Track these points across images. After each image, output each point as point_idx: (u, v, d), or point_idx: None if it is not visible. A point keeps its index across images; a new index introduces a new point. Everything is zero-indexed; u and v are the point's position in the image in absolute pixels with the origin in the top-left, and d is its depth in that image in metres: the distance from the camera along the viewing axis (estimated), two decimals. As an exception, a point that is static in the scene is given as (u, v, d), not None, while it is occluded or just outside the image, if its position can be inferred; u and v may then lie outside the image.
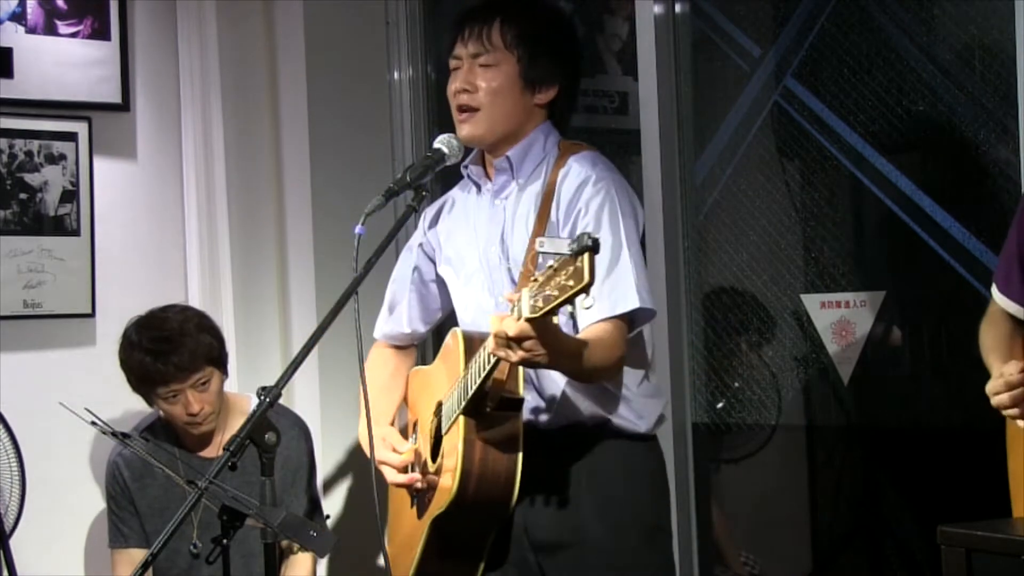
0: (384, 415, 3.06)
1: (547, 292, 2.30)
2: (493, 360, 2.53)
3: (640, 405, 2.83)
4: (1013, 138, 2.93)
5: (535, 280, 2.34)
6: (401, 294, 3.12)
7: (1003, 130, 2.99)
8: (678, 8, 3.57)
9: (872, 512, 3.42)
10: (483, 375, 2.59)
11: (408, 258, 3.13)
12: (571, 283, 2.24)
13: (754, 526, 3.74)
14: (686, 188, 3.56)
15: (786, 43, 3.45)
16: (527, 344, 2.43)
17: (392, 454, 2.93)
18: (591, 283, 2.22)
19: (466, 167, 2.95)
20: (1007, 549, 2.42)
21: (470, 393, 2.64)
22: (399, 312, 3.13)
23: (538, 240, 2.31)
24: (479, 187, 2.95)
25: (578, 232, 2.70)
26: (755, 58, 3.55)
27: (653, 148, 3.52)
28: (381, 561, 3.07)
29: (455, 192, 3.06)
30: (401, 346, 3.18)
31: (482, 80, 2.81)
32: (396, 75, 4.34)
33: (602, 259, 2.69)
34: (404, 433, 3.06)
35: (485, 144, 2.89)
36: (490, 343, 2.48)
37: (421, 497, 2.89)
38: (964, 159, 3.15)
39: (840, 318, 3.31)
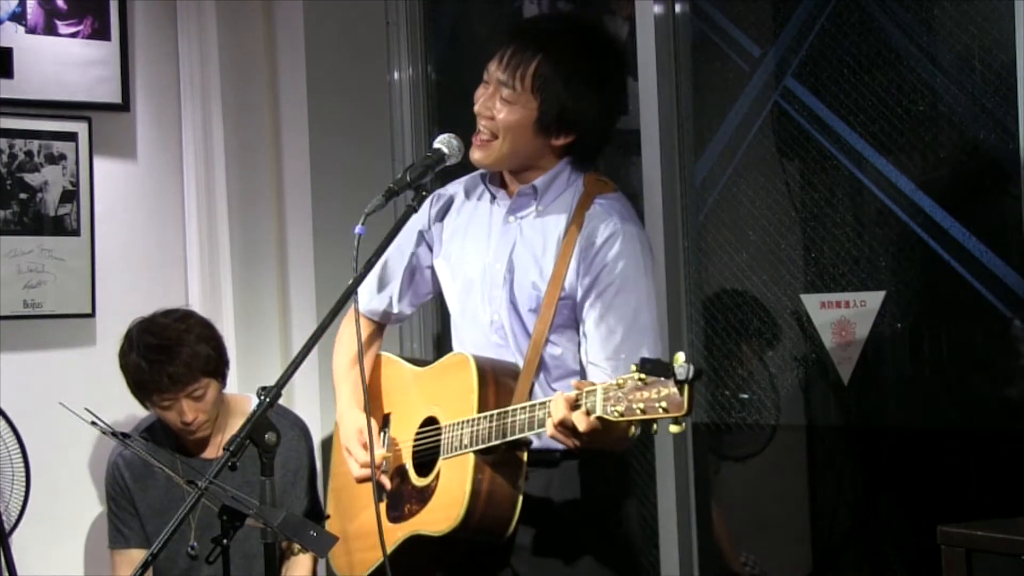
0: (356, 401, 3.01)
1: (631, 404, 2.32)
2: (540, 430, 2.54)
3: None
4: (1013, 138, 2.93)
5: (617, 383, 2.35)
6: (395, 274, 3.07)
7: (1003, 130, 2.99)
8: (678, 8, 3.57)
9: (872, 512, 3.42)
10: (519, 436, 2.60)
11: (408, 240, 3.06)
12: (665, 406, 2.28)
13: (754, 526, 3.73)
14: (686, 188, 3.56)
15: (786, 43, 3.44)
16: (586, 437, 2.46)
17: (361, 450, 2.89)
18: (687, 414, 2.27)
19: (484, 176, 2.95)
20: (1007, 549, 2.43)
21: (496, 443, 2.64)
22: (390, 291, 3.07)
23: (642, 359, 2.33)
24: (493, 196, 2.93)
25: (599, 285, 2.74)
26: (755, 58, 3.55)
27: (653, 148, 3.52)
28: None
29: (465, 189, 3.01)
30: (378, 323, 3.13)
31: (499, 112, 2.79)
32: (396, 75, 4.34)
33: (623, 317, 2.72)
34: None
35: (496, 170, 2.90)
36: (549, 425, 2.49)
37: (398, 502, 2.87)
38: (964, 159, 3.15)
39: (840, 318, 3.31)
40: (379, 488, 2.86)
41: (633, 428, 2.42)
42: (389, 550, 2.77)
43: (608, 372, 2.68)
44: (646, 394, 2.30)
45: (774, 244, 3.46)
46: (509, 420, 2.62)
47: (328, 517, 3.83)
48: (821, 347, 3.35)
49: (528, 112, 2.77)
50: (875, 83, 3.23)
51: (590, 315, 2.75)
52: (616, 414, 2.35)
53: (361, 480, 2.91)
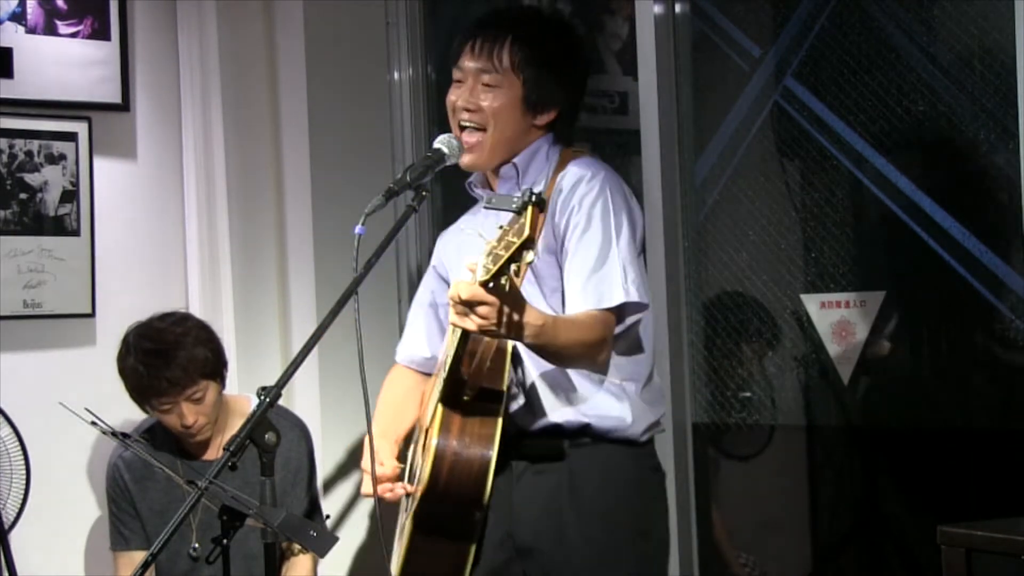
0: (388, 431, 3.02)
1: (496, 252, 2.29)
2: (458, 333, 2.51)
3: (635, 409, 2.82)
4: (1013, 138, 2.92)
5: (489, 242, 2.33)
6: (416, 317, 3.12)
7: (1003, 130, 2.99)
8: (678, 8, 3.57)
9: (872, 512, 3.42)
10: (452, 353, 2.57)
11: (426, 281, 3.14)
12: (515, 239, 2.24)
13: (754, 526, 3.73)
14: (686, 188, 3.56)
15: (786, 43, 3.44)
16: (481, 310, 2.41)
17: (378, 467, 2.89)
18: (532, 236, 2.21)
19: (470, 183, 2.96)
20: (1007, 549, 2.43)
21: (443, 376, 2.62)
22: (415, 334, 3.12)
23: (486, 196, 2.31)
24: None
25: (568, 227, 2.72)
26: (755, 58, 3.55)
27: (653, 148, 3.52)
28: (380, 561, 3.04)
29: (467, 216, 3.06)
30: (421, 371, 3.15)
31: (484, 100, 2.83)
32: (396, 75, 4.34)
33: (589, 254, 2.70)
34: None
35: (487, 169, 2.91)
36: (452, 314, 2.46)
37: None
38: (964, 159, 3.15)
39: (840, 318, 3.31)
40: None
41: (505, 280, 2.34)
42: (406, 542, 2.77)
43: (579, 306, 2.65)
44: (505, 239, 2.28)
45: (774, 244, 3.46)
46: (444, 344, 2.61)
47: (328, 517, 3.85)
48: (821, 347, 3.35)
49: (513, 92, 2.81)
50: (875, 83, 3.23)
51: (566, 260, 2.75)
52: (488, 271, 2.31)
53: (366, 496, 2.93)
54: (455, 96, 2.87)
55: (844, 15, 3.30)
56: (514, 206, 2.24)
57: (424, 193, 2.76)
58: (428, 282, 3.13)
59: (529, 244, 2.23)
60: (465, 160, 2.86)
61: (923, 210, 3.17)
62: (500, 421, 2.67)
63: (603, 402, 2.78)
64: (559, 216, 2.78)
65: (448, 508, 2.70)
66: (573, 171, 2.81)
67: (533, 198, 2.21)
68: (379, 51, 4.33)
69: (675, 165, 3.54)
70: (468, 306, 2.40)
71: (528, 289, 2.74)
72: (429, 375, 3.13)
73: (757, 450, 3.62)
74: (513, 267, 2.31)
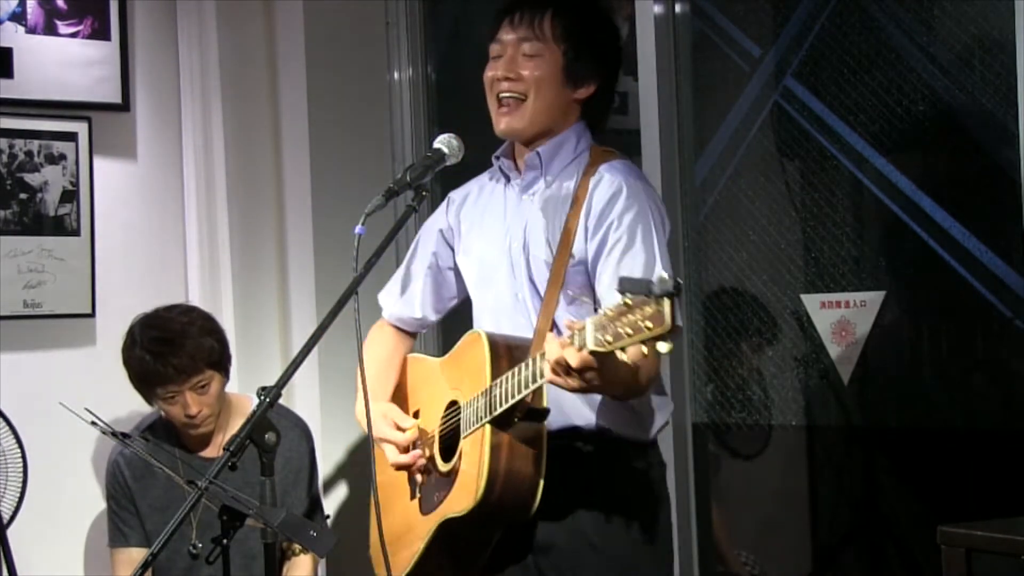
0: (381, 394, 3.01)
1: (619, 329, 2.27)
2: (542, 380, 2.52)
3: (646, 414, 2.82)
4: (1013, 138, 2.93)
5: (606, 314, 2.30)
6: (417, 277, 3.08)
7: (1003, 130, 2.99)
8: (678, 8, 3.57)
9: (872, 512, 3.42)
10: (525, 391, 2.57)
11: (428, 241, 3.08)
12: (649, 325, 2.21)
13: (754, 526, 3.74)
14: (686, 188, 3.56)
15: (786, 43, 3.45)
16: (588, 375, 2.42)
17: (395, 432, 2.88)
18: (673, 329, 2.20)
19: (497, 158, 2.94)
20: (1007, 549, 2.43)
21: (505, 406, 2.62)
22: (412, 295, 3.09)
23: (620, 278, 2.28)
24: (508, 178, 2.93)
25: (608, 244, 2.71)
26: (755, 58, 3.55)
27: (653, 148, 3.52)
28: (372, 552, 3.03)
29: (483, 180, 3.02)
30: (404, 330, 3.15)
31: (525, 69, 2.81)
32: (396, 75, 4.34)
33: (635, 272, 2.67)
34: None
35: (523, 138, 2.87)
36: (546, 368, 2.46)
37: (428, 493, 2.87)
38: (964, 159, 3.15)
39: (840, 318, 3.31)
40: (412, 484, 2.88)
41: (623, 354, 2.30)
42: (422, 542, 2.78)
43: None
44: (632, 317, 2.24)
45: (774, 244, 3.46)
46: (514, 380, 2.60)
47: (328, 516, 3.85)
48: (821, 347, 3.35)
49: (555, 61, 2.80)
50: (875, 83, 3.23)
51: (603, 274, 2.73)
52: (606, 343, 2.30)
53: (399, 467, 2.88)
54: (494, 70, 2.84)
55: (844, 15, 3.31)
56: (654, 291, 2.20)
57: (424, 193, 2.76)
58: (429, 243, 3.07)
59: (667, 337, 2.21)
60: (502, 125, 2.82)
61: (923, 210, 3.17)
62: (545, 439, 2.69)
63: (622, 408, 2.78)
64: (595, 227, 2.75)
65: (493, 519, 2.72)
66: (608, 179, 2.78)
67: (675, 288, 2.19)
68: (379, 51, 4.33)
69: (675, 165, 3.54)
70: (576, 371, 2.42)
71: (548, 292, 2.75)
72: (411, 334, 3.13)
73: (757, 450, 3.62)
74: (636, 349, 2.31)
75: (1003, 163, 3.01)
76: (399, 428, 2.89)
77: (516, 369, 2.61)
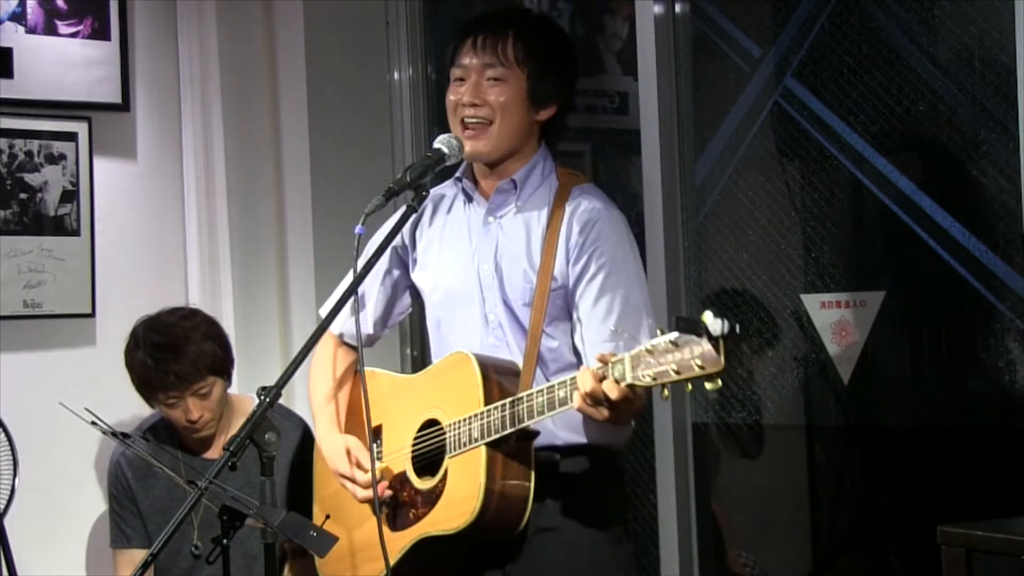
0: (336, 423, 3.01)
1: (662, 367, 2.30)
2: (566, 408, 2.53)
3: (627, 428, 2.85)
4: (1013, 138, 2.92)
5: (647, 350, 2.33)
6: (369, 294, 3.06)
7: (1003, 130, 2.99)
8: (678, 8, 3.57)
9: (872, 512, 3.42)
10: (544, 417, 2.59)
11: (381, 260, 2.99)
12: (700, 364, 2.24)
13: (754, 526, 3.74)
14: (686, 188, 3.56)
15: (786, 43, 3.44)
16: (622, 407, 2.45)
17: (359, 472, 2.89)
18: (723, 371, 2.22)
19: (459, 179, 2.95)
20: (1007, 549, 2.43)
21: (512, 431, 2.63)
22: (365, 313, 3.06)
23: (675, 317, 2.30)
24: (469, 198, 2.94)
25: (591, 269, 2.75)
26: (755, 58, 3.54)
27: (653, 148, 3.52)
28: (326, 570, 3.03)
29: (434, 201, 3.00)
30: (350, 344, 3.11)
31: (491, 94, 2.82)
32: (396, 75, 4.34)
33: (615, 299, 2.74)
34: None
35: (488, 160, 2.89)
36: (576, 399, 2.48)
37: (401, 510, 2.86)
38: (964, 159, 3.15)
39: (840, 318, 3.31)
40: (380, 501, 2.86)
41: (665, 391, 2.36)
42: (395, 558, 2.77)
43: (611, 347, 2.67)
44: (679, 355, 2.27)
45: (774, 244, 3.46)
46: (525, 405, 2.61)
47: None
48: (821, 347, 3.35)
49: (519, 85, 2.82)
50: (875, 83, 3.23)
51: (584, 300, 2.77)
52: (648, 378, 2.33)
53: (365, 501, 2.89)
54: (457, 94, 2.86)
55: (844, 15, 3.30)
56: (712, 333, 2.21)
57: (424, 193, 2.76)
58: (382, 262, 2.99)
59: (715, 378, 2.24)
60: (468, 148, 2.83)
61: (923, 210, 3.17)
62: (533, 455, 2.71)
63: (603, 427, 2.79)
64: (578, 252, 2.78)
65: (475, 540, 2.74)
66: (587, 205, 2.82)
67: (729, 331, 2.20)
68: (379, 51, 4.33)
69: (675, 165, 3.54)
70: (611, 403, 2.45)
71: (534, 316, 2.76)
72: (353, 347, 3.08)
73: (757, 450, 3.62)
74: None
75: (1003, 163, 3.01)
76: (361, 467, 2.89)
77: (529, 395, 2.61)
